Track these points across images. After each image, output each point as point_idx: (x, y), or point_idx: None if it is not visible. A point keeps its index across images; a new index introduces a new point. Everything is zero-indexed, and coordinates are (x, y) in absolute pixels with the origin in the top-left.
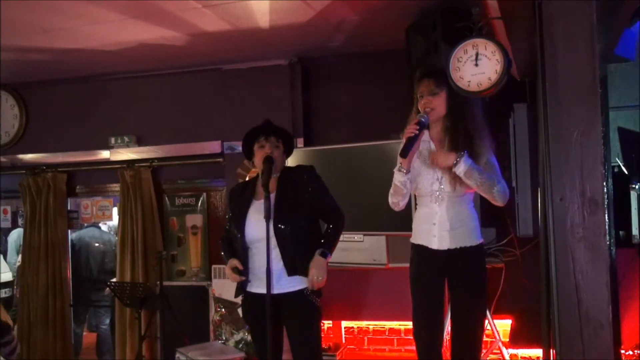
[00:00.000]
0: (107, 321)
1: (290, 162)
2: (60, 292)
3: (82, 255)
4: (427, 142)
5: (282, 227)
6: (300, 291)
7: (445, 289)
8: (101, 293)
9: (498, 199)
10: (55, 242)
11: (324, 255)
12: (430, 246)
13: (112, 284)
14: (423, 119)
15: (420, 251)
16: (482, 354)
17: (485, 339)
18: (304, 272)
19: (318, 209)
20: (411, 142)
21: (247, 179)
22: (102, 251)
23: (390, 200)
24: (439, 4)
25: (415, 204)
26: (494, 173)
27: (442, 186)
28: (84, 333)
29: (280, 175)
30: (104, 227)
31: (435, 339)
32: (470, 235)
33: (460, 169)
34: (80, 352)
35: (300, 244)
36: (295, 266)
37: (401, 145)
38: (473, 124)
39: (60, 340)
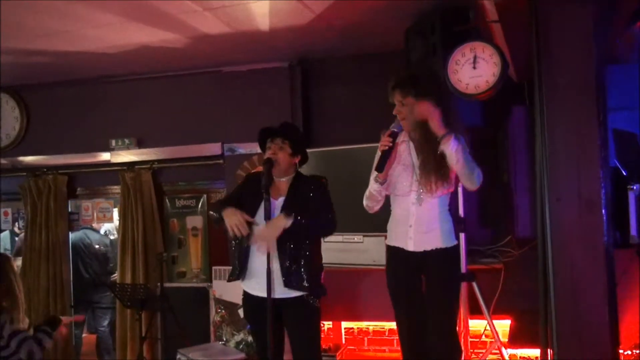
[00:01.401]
0: (106, 323)
1: None
2: (60, 294)
3: (75, 258)
4: (407, 142)
5: (285, 234)
6: (299, 296)
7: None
8: (99, 294)
9: (475, 183)
10: (56, 243)
11: (287, 216)
12: (406, 248)
13: (114, 285)
14: (396, 129)
15: (396, 253)
16: (482, 355)
17: (484, 339)
18: (298, 287)
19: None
20: (385, 156)
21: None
22: (94, 253)
23: (364, 203)
24: (437, 6)
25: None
26: None
27: (420, 187)
28: (84, 335)
29: (292, 182)
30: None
31: (418, 339)
32: (445, 237)
33: (452, 144)
34: (80, 353)
35: (299, 255)
36: (290, 279)
37: (377, 158)
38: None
39: (61, 342)
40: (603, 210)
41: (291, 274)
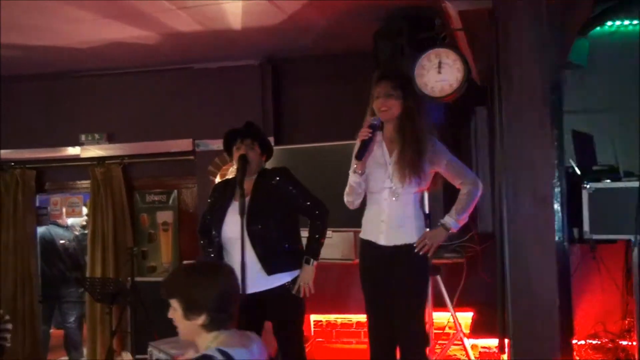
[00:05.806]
0: (72, 319)
1: None
2: (29, 289)
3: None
4: (380, 142)
5: (254, 228)
6: (282, 286)
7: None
8: (66, 290)
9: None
10: (24, 238)
11: (308, 262)
12: (377, 242)
13: (84, 279)
14: (375, 122)
15: (368, 246)
16: (445, 345)
17: (447, 330)
18: (283, 268)
19: (297, 209)
20: (365, 144)
21: (217, 177)
22: (56, 249)
23: (345, 199)
24: (405, 12)
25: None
26: (461, 169)
27: (392, 184)
28: (51, 330)
29: (256, 178)
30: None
31: (386, 331)
32: (415, 233)
33: (453, 227)
34: (48, 348)
35: (271, 242)
36: (271, 265)
37: (356, 148)
38: (423, 128)
39: (29, 337)
40: (556, 207)
41: (272, 262)
